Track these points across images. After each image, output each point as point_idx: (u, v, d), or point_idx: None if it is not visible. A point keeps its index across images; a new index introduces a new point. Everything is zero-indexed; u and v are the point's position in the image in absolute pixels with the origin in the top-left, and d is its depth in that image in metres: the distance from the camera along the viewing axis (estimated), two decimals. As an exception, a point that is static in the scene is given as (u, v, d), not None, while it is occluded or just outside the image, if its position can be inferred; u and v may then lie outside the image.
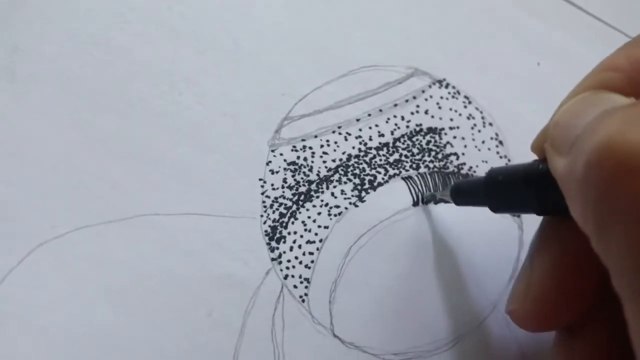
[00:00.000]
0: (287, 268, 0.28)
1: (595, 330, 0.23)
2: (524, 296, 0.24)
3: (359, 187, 0.31)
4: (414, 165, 0.32)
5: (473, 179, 0.28)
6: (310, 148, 0.30)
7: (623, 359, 0.22)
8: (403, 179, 0.31)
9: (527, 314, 0.24)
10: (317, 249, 0.29)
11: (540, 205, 0.22)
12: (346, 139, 0.31)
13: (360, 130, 0.31)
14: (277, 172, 0.29)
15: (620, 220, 0.15)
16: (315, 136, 0.31)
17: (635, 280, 0.14)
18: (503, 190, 0.24)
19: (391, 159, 0.31)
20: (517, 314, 0.24)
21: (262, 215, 0.29)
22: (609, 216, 0.15)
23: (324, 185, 0.30)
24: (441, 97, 0.34)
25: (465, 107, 0.34)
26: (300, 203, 0.29)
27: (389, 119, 0.32)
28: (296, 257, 0.29)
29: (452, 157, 0.33)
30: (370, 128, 0.32)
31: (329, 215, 0.30)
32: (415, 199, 0.31)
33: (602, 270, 0.16)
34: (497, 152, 0.34)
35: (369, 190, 0.31)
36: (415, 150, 0.32)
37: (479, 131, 0.34)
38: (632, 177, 0.14)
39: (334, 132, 0.31)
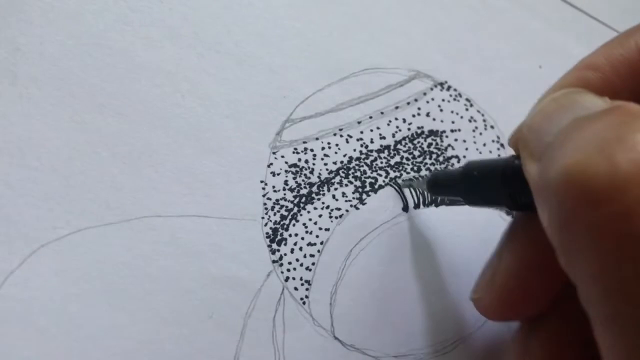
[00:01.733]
0: (288, 270, 0.28)
1: (555, 324, 0.23)
2: (489, 285, 0.24)
3: (360, 189, 0.30)
4: (415, 168, 0.32)
5: (450, 170, 0.28)
6: (312, 150, 0.30)
7: (578, 354, 0.22)
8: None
9: (490, 303, 0.24)
10: (318, 251, 0.29)
11: (514, 201, 0.22)
12: (347, 141, 0.31)
13: (361, 132, 0.31)
14: (278, 174, 0.29)
15: (581, 250, 0.15)
16: (317, 138, 0.31)
17: (601, 307, 0.15)
18: (479, 184, 0.24)
19: (392, 162, 0.31)
20: (480, 302, 0.25)
21: (263, 217, 0.29)
22: (571, 243, 0.15)
23: (325, 188, 0.30)
24: (443, 100, 0.34)
25: (466, 109, 0.34)
26: (302, 205, 0.29)
27: (390, 121, 0.32)
28: (297, 259, 0.29)
29: (454, 160, 0.33)
30: (371, 130, 0.32)
31: (330, 217, 0.30)
32: (416, 201, 0.31)
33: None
34: (499, 155, 0.34)
35: (370, 193, 0.31)
36: (416, 153, 0.32)
37: (481, 134, 0.34)
38: (592, 209, 0.14)
39: (335, 134, 0.31)
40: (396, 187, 0.31)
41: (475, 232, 0.32)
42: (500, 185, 0.23)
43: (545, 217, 0.17)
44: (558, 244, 0.16)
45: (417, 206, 0.31)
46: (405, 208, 0.31)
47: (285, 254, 0.28)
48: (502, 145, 0.34)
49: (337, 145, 0.31)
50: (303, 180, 0.30)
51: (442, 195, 0.28)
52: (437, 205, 0.31)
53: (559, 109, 0.19)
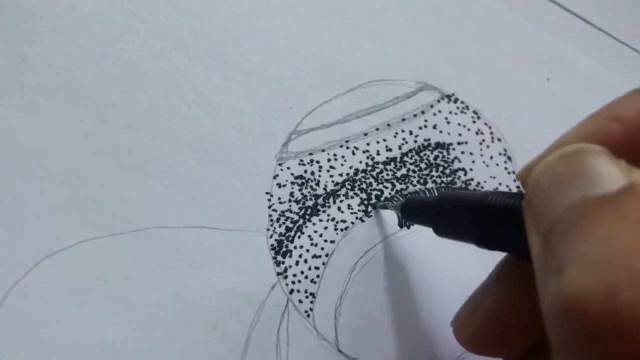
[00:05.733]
0: (293, 282, 0.28)
1: None
2: (469, 318, 0.23)
3: (365, 201, 0.30)
4: (422, 181, 0.32)
5: (424, 198, 0.27)
6: (318, 162, 0.30)
7: None
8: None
9: (467, 335, 0.23)
10: (323, 263, 0.29)
11: (483, 240, 0.22)
12: (354, 153, 0.31)
13: (367, 144, 0.31)
14: (284, 186, 0.29)
15: None
16: (323, 150, 0.30)
17: None
18: (449, 217, 0.24)
19: (398, 174, 0.31)
20: (458, 332, 0.24)
21: (268, 229, 0.29)
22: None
23: (331, 200, 0.30)
24: (450, 112, 0.33)
25: (474, 122, 0.34)
26: (307, 217, 0.29)
27: (397, 133, 0.32)
28: (302, 272, 0.28)
29: (460, 173, 0.33)
30: (377, 142, 0.31)
31: (335, 229, 0.30)
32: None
33: None
34: (506, 168, 0.34)
35: (376, 205, 0.30)
36: (422, 165, 0.32)
37: (488, 146, 0.34)
38: (590, 343, 0.13)
39: (341, 146, 0.31)
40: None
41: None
42: (471, 222, 0.22)
43: (544, 304, 0.16)
44: (555, 350, 0.15)
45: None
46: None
47: (290, 266, 0.28)
48: (509, 158, 0.34)
49: (343, 157, 0.31)
50: (309, 192, 0.30)
51: (414, 222, 0.27)
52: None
53: (568, 176, 0.17)
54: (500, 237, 0.21)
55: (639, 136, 0.19)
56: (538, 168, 0.18)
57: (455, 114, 0.34)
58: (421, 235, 0.30)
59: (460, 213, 0.23)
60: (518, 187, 0.34)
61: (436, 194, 0.32)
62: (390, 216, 0.30)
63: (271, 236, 0.28)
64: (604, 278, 0.13)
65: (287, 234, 0.29)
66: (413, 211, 0.27)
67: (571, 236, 0.15)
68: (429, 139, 0.33)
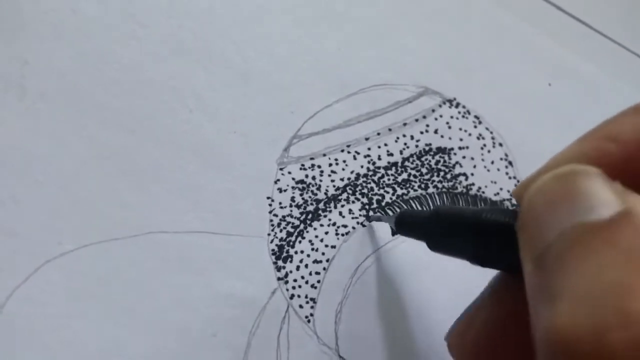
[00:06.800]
0: (293, 288, 0.28)
1: None
2: (464, 332, 0.22)
3: (366, 206, 0.30)
4: (423, 185, 0.32)
5: (419, 212, 0.27)
6: (319, 167, 0.30)
7: None
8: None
9: (463, 350, 0.22)
10: (324, 268, 0.29)
11: (476, 256, 0.21)
12: (355, 158, 0.31)
13: (369, 149, 0.31)
14: (285, 191, 0.29)
15: None
16: (324, 155, 0.30)
17: None
18: (444, 231, 0.23)
19: (399, 179, 0.31)
20: (452, 347, 0.23)
21: (269, 234, 0.28)
22: None
23: (332, 204, 0.30)
24: (451, 117, 0.33)
25: (475, 127, 0.34)
26: (308, 222, 0.29)
27: (398, 138, 0.32)
28: (302, 277, 0.28)
29: (461, 178, 0.32)
30: (379, 147, 0.31)
31: (336, 234, 0.29)
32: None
33: None
34: (507, 173, 0.34)
35: (377, 210, 0.30)
36: (424, 170, 0.32)
37: (489, 151, 0.34)
38: None
39: (342, 150, 0.31)
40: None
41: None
42: (465, 238, 0.22)
43: (536, 333, 0.15)
44: None
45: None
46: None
47: (290, 272, 0.28)
48: (510, 163, 0.34)
49: (344, 161, 0.31)
50: (310, 197, 0.30)
51: (408, 236, 0.27)
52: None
53: (561, 199, 0.16)
54: (494, 255, 0.20)
55: (635, 157, 0.18)
56: (532, 188, 0.18)
57: (457, 118, 0.34)
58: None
59: (454, 229, 0.22)
60: (519, 192, 0.33)
61: (437, 198, 0.31)
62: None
63: (272, 241, 0.28)
64: (592, 317, 0.13)
65: (287, 239, 0.29)
66: (407, 225, 0.27)
67: (564, 265, 0.15)
68: (430, 144, 0.33)
